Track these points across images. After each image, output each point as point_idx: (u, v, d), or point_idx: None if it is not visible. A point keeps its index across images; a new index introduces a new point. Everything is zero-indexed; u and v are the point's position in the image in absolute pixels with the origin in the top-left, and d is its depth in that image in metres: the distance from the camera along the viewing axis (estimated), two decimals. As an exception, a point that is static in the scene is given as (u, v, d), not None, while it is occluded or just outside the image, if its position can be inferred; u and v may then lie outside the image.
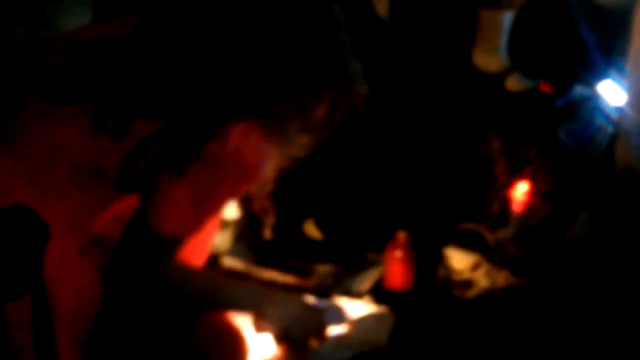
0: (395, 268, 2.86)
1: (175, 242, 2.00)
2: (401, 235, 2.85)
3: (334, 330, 2.38)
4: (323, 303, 2.47)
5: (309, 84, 1.99)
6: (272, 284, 2.76)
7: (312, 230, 3.22)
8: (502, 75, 3.28)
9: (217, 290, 2.14)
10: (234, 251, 2.84)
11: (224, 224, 2.87)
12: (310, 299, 2.46)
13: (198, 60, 1.95)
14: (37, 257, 1.82)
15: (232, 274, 2.71)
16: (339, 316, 2.38)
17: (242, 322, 2.24)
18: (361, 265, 2.99)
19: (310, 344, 2.20)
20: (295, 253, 2.69)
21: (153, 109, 1.95)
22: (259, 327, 2.22)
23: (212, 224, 2.17)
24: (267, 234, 2.88)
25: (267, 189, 2.63)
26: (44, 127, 1.96)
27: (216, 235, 2.36)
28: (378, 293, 2.84)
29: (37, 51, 2.15)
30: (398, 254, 2.85)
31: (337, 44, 2.05)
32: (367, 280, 2.92)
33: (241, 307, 2.17)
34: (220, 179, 1.97)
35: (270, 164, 2.04)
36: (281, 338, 2.17)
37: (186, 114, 1.93)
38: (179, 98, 1.94)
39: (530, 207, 3.08)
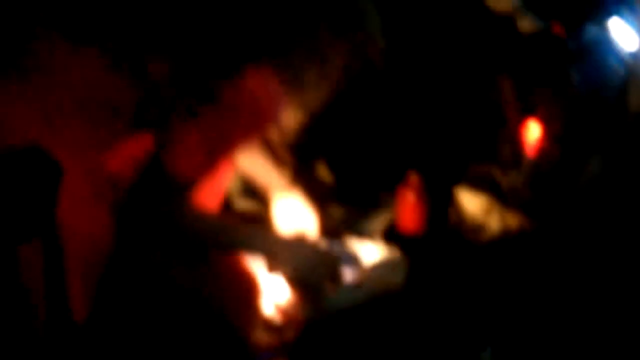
0: (407, 210, 2.86)
1: (188, 186, 2.00)
2: (413, 177, 2.84)
3: (348, 275, 2.39)
4: (337, 248, 2.48)
5: (325, 32, 1.99)
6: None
7: (323, 171, 3.21)
8: (514, 16, 3.26)
9: (231, 234, 2.15)
10: (247, 194, 2.84)
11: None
12: (324, 244, 2.46)
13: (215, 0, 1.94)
14: (50, 198, 1.82)
15: (245, 217, 2.71)
16: (353, 261, 2.39)
17: (256, 266, 2.24)
18: (373, 207, 2.99)
19: (324, 289, 2.21)
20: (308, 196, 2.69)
21: (169, 50, 1.94)
22: (272, 272, 2.23)
23: (225, 168, 2.18)
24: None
25: (288, 140, 2.63)
26: (61, 67, 1.95)
27: (230, 179, 2.37)
28: (390, 235, 2.84)
29: None
30: (410, 195, 2.84)
31: None
32: (378, 222, 2.92)
33: (255, 251, 2.17)
34: (234, 122, 1.97)
35: (285, 111, 2.04)
36: (294, 283, 2.17)
37: (202, 56, 1.93)
38: (195, 39, 1.93)
39: (543, 149, 3.08)
